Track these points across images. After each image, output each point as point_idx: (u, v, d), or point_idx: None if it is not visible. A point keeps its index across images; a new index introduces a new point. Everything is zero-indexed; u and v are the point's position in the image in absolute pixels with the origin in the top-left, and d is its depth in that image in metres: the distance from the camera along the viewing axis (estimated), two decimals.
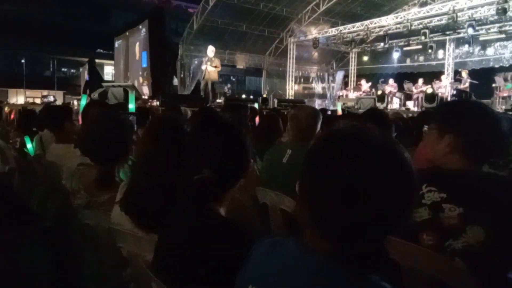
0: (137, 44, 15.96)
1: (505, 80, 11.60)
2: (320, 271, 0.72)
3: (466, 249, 1.13)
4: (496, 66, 14.75)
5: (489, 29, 13.71)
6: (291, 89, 17.59)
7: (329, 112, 6.65)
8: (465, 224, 1.14)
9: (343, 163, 0.69)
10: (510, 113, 3.89)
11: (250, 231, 1.06)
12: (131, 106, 2.50)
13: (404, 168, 0.71)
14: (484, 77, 13.15)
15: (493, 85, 11.97)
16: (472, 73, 13.23)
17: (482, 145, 1.26)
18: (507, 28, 13.20)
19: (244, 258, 0.89)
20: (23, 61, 24.74)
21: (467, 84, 12.28)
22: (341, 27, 15.02)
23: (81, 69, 21.70)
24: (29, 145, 2.74)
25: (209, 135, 1.16)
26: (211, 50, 10.81)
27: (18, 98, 24.00)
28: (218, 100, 12.28)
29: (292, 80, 17.54)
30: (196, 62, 15.51)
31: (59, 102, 17.62)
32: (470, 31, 12.39)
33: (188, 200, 1.14)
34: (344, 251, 0.72)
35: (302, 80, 19.37)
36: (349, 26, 14.60)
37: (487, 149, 1.29)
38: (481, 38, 14.38)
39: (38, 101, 19.48)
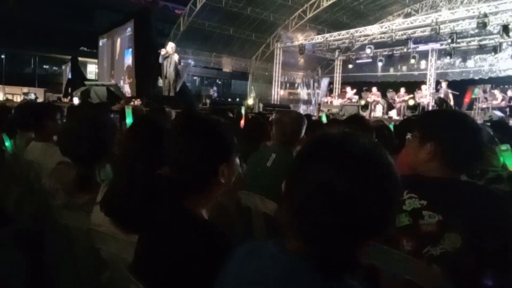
0: (122, 42, 15.78)
1: (484, 92, 11.96)
2: (292, 271, 0.72)
3: (443, 256, 1.15)
4: (476, 78, 15.18)
5: (469, 42, 14.12)
6: (277, 94, 17.67)
7: (314, 118, 6.71)
8: (443, 231, 1.17)
9: (326, 168, 0.69)
10: (488, 124, 4.00)
11: (231, 235, 1.05)
12: (129, 121, 2.46)
13: (388, 178, 0.71)
14: (464, 88, 13.51)
15: (473, 96, 12.31)
16: (453, 84, 13.57)
17: (461, 154, 1.30)
18: (486, 41, 13.63)
19: (223, 262, 0.88)
20: (3, 56, 24.12)
21: (448, 95, 12.59)
22: (327, 35, 15.23)
23: (63, 67, 21.23)
24: (7, 143, 2.65)
25: (183, 134, 1.15)
26: (170, 46, 10.26)
27: None
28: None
29: (278, 85, 17.64)
30: (182, 64, 15.43)
31: (40, 99, 17.20)
32: (451, 42, 12.76)
33: (164, 200, 1.13)
34: (319, 253, 0.71)
35: (287, 85, 19.50)
36: (335, 33, 14.82)
37: (466, 157, 1.32)
38: (462, 50, 14.79)
39: (18, 98, 18.97)
